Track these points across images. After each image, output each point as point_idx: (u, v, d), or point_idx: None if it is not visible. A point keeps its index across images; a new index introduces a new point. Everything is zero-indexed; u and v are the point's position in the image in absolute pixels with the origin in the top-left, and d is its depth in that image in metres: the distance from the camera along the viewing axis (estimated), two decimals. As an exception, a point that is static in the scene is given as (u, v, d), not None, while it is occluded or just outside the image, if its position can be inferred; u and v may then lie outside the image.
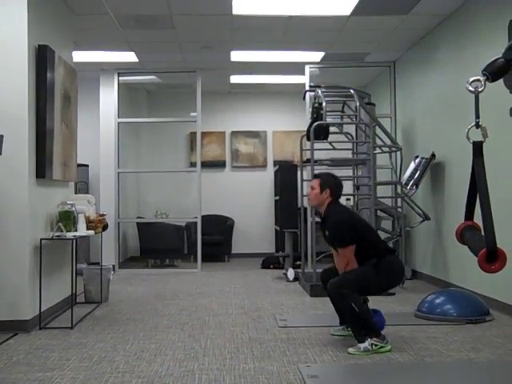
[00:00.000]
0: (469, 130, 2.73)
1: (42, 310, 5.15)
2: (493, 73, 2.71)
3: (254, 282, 8.00)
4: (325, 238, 4.66)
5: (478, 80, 2.71)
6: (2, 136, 4.63)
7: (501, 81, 2.93)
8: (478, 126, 2.72)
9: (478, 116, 2.72)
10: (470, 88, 2.72)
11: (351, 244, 4.39)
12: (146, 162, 11.08)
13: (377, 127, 7.78)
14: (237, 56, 8.71)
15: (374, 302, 4.84)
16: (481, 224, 2.75)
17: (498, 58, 2.73)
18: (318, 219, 7.38)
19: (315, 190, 4.61)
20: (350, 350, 4.23)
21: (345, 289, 4.26)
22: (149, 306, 6.25)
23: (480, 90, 2.71)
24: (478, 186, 2.74)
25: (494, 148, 4.03)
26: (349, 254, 4.39)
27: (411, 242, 8.31)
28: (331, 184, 4.63)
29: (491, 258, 2.68)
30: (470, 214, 2.95)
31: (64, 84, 5.86)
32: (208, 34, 7.68)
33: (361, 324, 4.29)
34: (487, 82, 2.72)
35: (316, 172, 7.11)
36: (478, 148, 2.71)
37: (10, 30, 5.09)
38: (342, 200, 9.42)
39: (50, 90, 5.43)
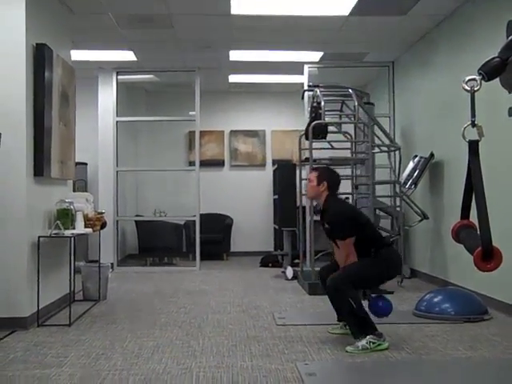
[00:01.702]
0: (464, 128, 2.73)
1: (40, 308, 5.16)
2: (489, 72, 2.72)
3: (253, 281, 8.02)
4: (325, 232, 4.68)
5: (474, 79, 2.72)
6: (0, 134, 4.63)
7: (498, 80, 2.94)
8: (473, 124, 2.73)
9: (473, 115, 2.73)
10: (466, 87, 2.73)
11: (350, 236, 4.41)
12: (145, 161, 11.08)
13: (375, 127, 7.79)
14: (235, 55, 8.71)
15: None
16: (476, 223, 2.75)
17: (494, 58, 2.74)
18: (316, 218, 7.40)
19: (312, 183, 4.68)
20: (348, 348, 4.25)
21: (343, 284, 4.29)
22: (147, 303, 6.26)
23: (476, 89, 2.72)
24: (473, 184, 2.74)
25: (490, 147, 4.04)
26: (348, 246, 4.41)
27: (410, 241, 8.32)
28: (328, 177, 4.68)
29: (487, 257, 2.68)
30: (465, 212, 2.96)
31: (62, 83, 5.86)
32: (207, 34, 7.68)
33: (358, 320, 4.30)
34: (483, 82, 2.73)
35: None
36: (473, 147, 2.72)
37: (7, 28, 5.09)
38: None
39: (48, 88, 5.44)
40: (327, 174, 4.73)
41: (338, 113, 8.66)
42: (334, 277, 4.37)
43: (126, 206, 10.23)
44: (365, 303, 4.46)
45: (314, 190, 4.69)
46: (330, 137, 7.79)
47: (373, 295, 4.65)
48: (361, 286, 4.47)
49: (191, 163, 10.79)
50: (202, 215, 9.50)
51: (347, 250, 4.42)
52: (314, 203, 7.88)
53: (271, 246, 10.81)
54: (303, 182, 7.76)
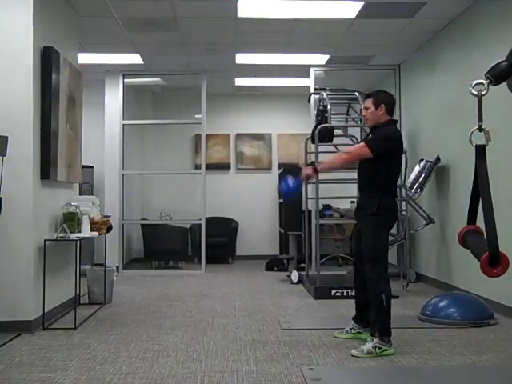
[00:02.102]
0: (472, 133, 2.73)
1: (46, 311, 5.17)
2: (496, 76, 2.71)
3: (258, 284, 8.00)
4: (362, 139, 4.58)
5: (481, 83, 2.71)
6: (7, 137, 4.65)
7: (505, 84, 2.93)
8: (481, 129, 2.72)
9: (480, 119, 2.72)
10: (473, 91, 2.72)
11: (372, 151, 4.34)
12: (151, 164, 11.08)
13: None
14: (242, 58, 8.72)
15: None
16: (483, 228, 2.74)
17: (502, 61, 2.73)
18: (322, 222, 7.39)
19: (370, 109, 4.51)
20: (354, 352, 4.23)
21: (381, 276, 4.32)
22: (152, 307, 6.26)
23: (483, 93, 2.71)
24: (480, 189, 2.74)
25: (497, 152, 4.02)
26: (360, 152, 4.42)
27: (415, 245, 8.29)
28: (385, 99, 4.53)
29: (494, 262, 2.68)
30: (472, 217, 2.95)
31: (69, 86, 5.88)
32: (213, 37, 7.69)
33: (382, 318, 4.29)
34: (490, 86, 2.72)
35: (320, 174, 7.16)
36: (480, 151, 2.72)
37: (15, 31, 5.11)
38: (346, 202, 9.47)
39: (55, 91, 5.45)
40: (383, 97, 4.56)
41: (345, 116, 8.66)
42: (370, 269, 4.35)
43: (131, 209, 10.23)
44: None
45: (373, 115, 4.49)
46: (336, 140, 7.78)
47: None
48: (387, 252, 4.51)
49: (197, 166, 10.80)
50: (207, 219, 9.50)
51: (354, 152, 4.49)
52: (321, 206, 7.87)
53: (277, 250, 10.79)
54: (309, 185, 7.76)
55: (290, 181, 4.68)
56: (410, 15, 6.80)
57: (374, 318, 4.38)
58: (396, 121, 4.65)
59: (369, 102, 4.53)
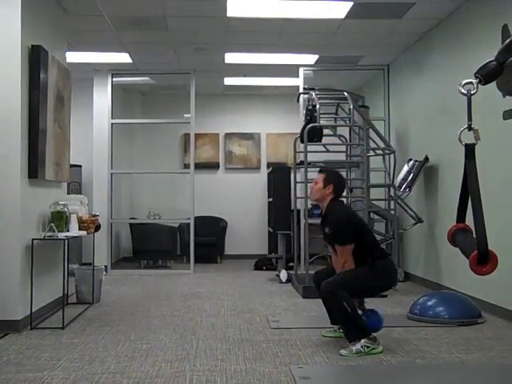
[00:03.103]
0: (461, 132, 2.73)
1: (34, 310, 5.13)
2: (485, 75, 2.72)
3: (247, 284, 8.00)
4: (324, 236, 4.67)
5: (471, 83, 2.72)
6: (-5, 135, 4.62)
7: (494, 83, 2.94)
8: (470, 128, 2.73)
9: (470, 119, 2.72)
10: (463, 91, 2.73)
11: (350, 243, 4.41)
12: (140, 163, 11.05)
13: (370, 130, 7.80)
14: (231, 58, 8.71)
15: (367, 304, 4.82)
16: (472, 226, 2.75)
17: (491, 61, 2.74)
18: (311, 221, 7.41)
19: (318, 185, 4.63)
20: (342, 351, 4.24)
21: (337, 289, 4.28)
22: (141, 306, 6.24)
23: (472, 92, 2.71)
24: (469, 188, 2.74)
25: (486, 151, 4.03)
26: (347, 252, 4.41)
27: (404, 245, 8.32)
28: (335, 180, 4.65)
29: (483, 261, 2.68)
30: (461, 216, 2.96)
31: (57, 84, 5.84)
32: (202, 36, 7.68)
33: (352, 324, 4.29)
34: (480, 85, 2.72)
35: (309, 174, 7.17)
36: (470, 150, 2.72)
37: (3, 29, 5.07)
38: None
39: (43, 90, 5.42)
40: (334, 177, 4.69)
41: (333, 116, 8.69)
42: (329, 281, 4.36)
43: (120, 208, 10.20)
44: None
45: (319, 191, 4.63)
46: (325, 140, 7.79)
47: (367, 308, 4.63)
48: (354, 295, 4.38)
49: (186, 166, 10.81)
50: (196, 218, 9.49)
51: (345, 257, 4.42)
52: (310, 206, 7.89)
53: (265, 249, 10.81)
54: (298, 185, 7.77)
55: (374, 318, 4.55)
56: (398, 16, 6.82)
57: (345, 327, 4.38)
58: (337, 199, 4.70)
59: (320, 178, 4.66)
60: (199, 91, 9.59)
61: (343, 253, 4.43)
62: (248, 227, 11.31)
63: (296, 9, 6.61)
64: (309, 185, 7.10)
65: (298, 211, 8.08)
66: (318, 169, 7.76)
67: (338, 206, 4.70)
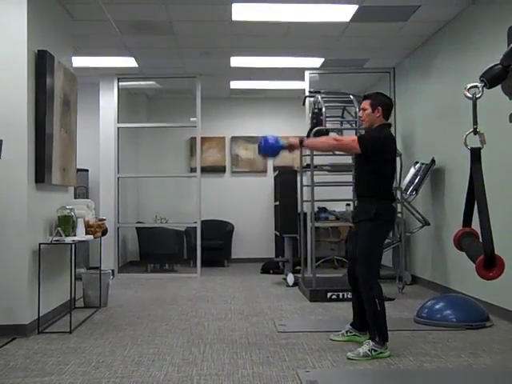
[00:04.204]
0: (466, 136, 2.73)
1: (41, 315, 5.15)
2: (490, 79, 2.72)
3: (254, 287, 8.00)
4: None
5: (476, 86, 2.72)
6: (2, 141, 4.62)
7: (499, 87, 2.93)
8: (475, 132, 2.73)
9: (475, 122, 2.73)
10: (468, 94, 2.73)
11: (360, 146, 4.33)
12: (146, 167, 11.07)
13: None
14: (236, 62, 8.72)
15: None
16: (479, 230, 2.74)
17: (496, 65, 2.74)
18: (317, 224, 7.40)
19: (367, 111, 4.52)
20: (349, 355, 4.23)
21: (373, 282, 4.33)
22: (148, 310, 6.25)
23: (478, 96, 2.71)
24: (475, 192, 2.74)
25: (492, 155, 4.03)
26: (348, 143, 4.46)
27: (411, 248, 8.30)
28: (382, 102, 4.54)
29: (489, 265, 2.68)
30: (468, 220, 2.96)
31: (63, 89, 5.87)
32: (208, 40, 7.69)
33: (377, 322, 4.31)
34: (485, 89, 2.72)
35: (315, 177, 7.17)
36: (475, 154, 2.72)
37: (9, 35, 5.10)
38: (342, 205, 9.46)
39: (50, 95, 5.44)
40: (381, 99, 4.58)
41: (339, 119, 8.67)
42: (364, 276, 4.36)
43: (127, 212, 10.22)
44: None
45: (369, 117, 4.50)
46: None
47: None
48: (380, 260, 4.53)
49: (192, 169, 10.82)
50: (202, 222, 9.50)
51: (343, 142, 4.53)
52: (316, 209, 7.88)
53: (272, 253, 10.79)
54: (304, 188, 7.77)
55: (271, 139, 4.55)
56: (404, 19, 6.82)
57: (371, 323, 4.38)
58: (390, 124, 4.65)
59: (366, 104, 4.55)
60: (205, 95, 9.60)
61: (348, 139, 4.51)
62: (255, 231, 11.30)
63: (301, 12, 6.61)
64: (316, 188, 7.15)
65: (305, 214, 8.07)
66: (324, 172, 7.83)
67: (387, 130, 4.55)
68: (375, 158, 4.37)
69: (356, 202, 4.68)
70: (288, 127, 11.10)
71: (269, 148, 4.54)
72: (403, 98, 8.81)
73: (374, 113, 4.49)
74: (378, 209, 4.35)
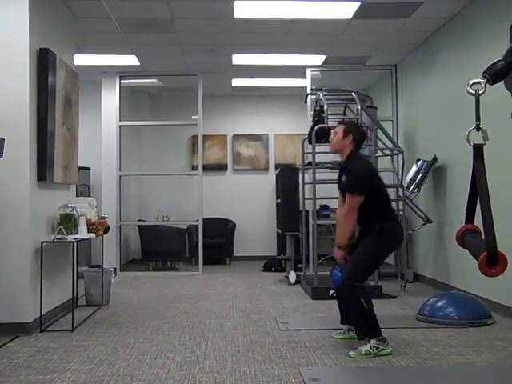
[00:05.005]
0: (469, 132, 2.73)
1: (43, 313, 5.15)
2: (493, 75, 2.71)
3: (256, 285, 8.00)
4: (338, 185, 4.65)
5: (479, 82, 2.71)
6: (3, 139, 4.63)
7: (502, 83, 2.93)
8: (478, 128, 2.72)
9: (478, 119, 2.72)
10: (471, 90, 2.72)
11: (360, 195, 4.36)
12: (148, 165, 11.08)
13: (378, 130, 7.78)
14: (238, 59, 8.71)
15: (375, 305, 4.81)
16: (481, 227, 2.74)
17: (499, 61, 2.73)
18: (319, 222, 7.38)
19: (338, 135, 4.60)
20: (352, 353, 4.23)
21: (357, 281, 4.30)
22: (150, 308, 6.25)
23: (480, 92, 2.71)
24: (478, 189, 2.73)
25: (495, 151, 4.02)
26: (354, 203, 4.38)
27: (413, 245, 8.30)
28: (354, 132, 4.63)
29: (492, 262, 2.67)
30: (470, 217, 2.95)
31: (65, 87, 5.86)
32: (209, 38, 7.69)
33: (366, 321, 4.29)
34: (488, 85, 2.72)
35: (317, 174, 7.16)
36: (478, 151, 2.71)
37: (11, 33, 5.10)
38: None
39: (52, 93, 5.44)
40: (353, 129, 4.69)
41: (341, 116, 8.65)
42: (349, 274, 4.34)
43: (128, 210, 10.22)
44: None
45: (338, 142, 4.59)
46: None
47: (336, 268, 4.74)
48: (370, 274, 4.56)
49: (194, 167, 10.81)
50: (204, 219, 9.50)
51: (351, 207, 4.39)
52: (318, 207, 7.87)
53: (274, 251, 10.79)
54: (306, 186, 7.76)
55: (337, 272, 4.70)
56: (406, 15, 6.81)
57: (359, 323, 4.37)
58: (358, 151, 4.67)
59: (340, 129, 4.64)
60: (207, 92, 9.59)
61: (351, 202, 4.39)
62: (256, 228, 11.31)
63: (303, 9, 6.60)
64: (317, 185, 7.15)
65: (307, 212, 8.07)
66: (326, 169, 7.82)
67: (358, 158, 4.65)
68: (369, 190, 4.42)
69: (360, 229, 4.63)
70: (290, 125, 11.15)
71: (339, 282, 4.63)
72: (405, 94, 8.80)
73: (344, 140, 4.57)
74: (384, 226, 4.37)
